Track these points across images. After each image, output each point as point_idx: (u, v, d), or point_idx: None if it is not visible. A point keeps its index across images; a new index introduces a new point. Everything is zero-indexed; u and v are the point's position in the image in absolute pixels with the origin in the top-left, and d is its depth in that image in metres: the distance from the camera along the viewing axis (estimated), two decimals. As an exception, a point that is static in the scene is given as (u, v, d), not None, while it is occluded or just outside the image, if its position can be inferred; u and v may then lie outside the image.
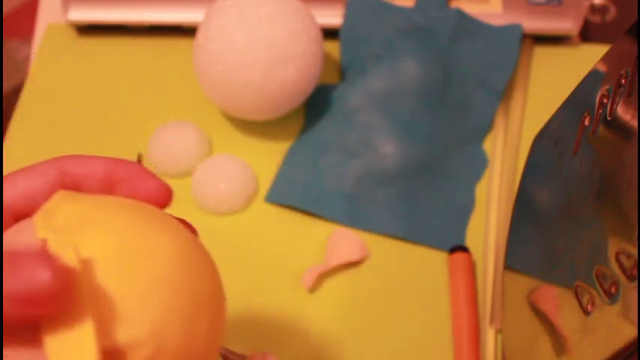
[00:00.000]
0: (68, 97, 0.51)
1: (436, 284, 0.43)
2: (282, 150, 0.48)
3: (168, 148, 0.47)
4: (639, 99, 0.28)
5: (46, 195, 0.25)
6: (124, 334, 0.22)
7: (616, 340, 0.26)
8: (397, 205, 0.45)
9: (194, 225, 0.27)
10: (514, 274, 0.39)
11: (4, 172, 0.47)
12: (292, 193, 0.46)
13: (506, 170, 0.47)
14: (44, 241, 0.22)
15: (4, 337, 0.21)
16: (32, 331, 0.21)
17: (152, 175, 0.26)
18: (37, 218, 0.23)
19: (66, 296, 0.20)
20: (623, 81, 0.30)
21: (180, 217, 0.27)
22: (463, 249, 0.43)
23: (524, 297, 0.36)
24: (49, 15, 0.55)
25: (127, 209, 0.24)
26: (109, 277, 0.22)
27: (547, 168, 0.37)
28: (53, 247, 0.22)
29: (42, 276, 0.20)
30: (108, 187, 0.26)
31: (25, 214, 0.25)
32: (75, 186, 0.26)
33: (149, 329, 0.22)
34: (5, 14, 1.18)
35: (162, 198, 0.27)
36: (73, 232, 0.23)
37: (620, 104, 0.29)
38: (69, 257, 0.21)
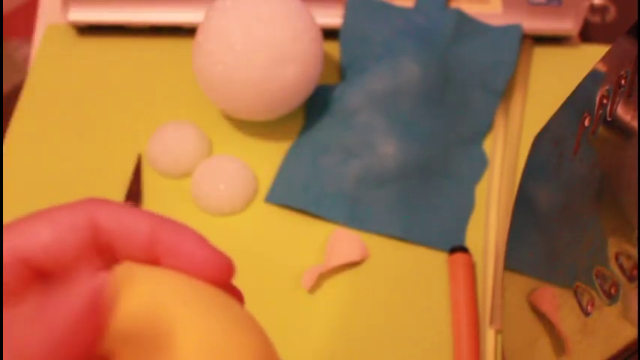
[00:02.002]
0: (68, 97, 0.51)
1: (436, 284, 0.43)
2: (282, 150, 0.48)
3: (168, 148, 0.47)
4: (639, 99, 0.28)
5: (76, 251, 0.22)
6: None
7: (616, 341, 0.26)
8: (397, 206, 0.45)
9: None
10: (514, 275, 0.39)
11: (4, 172, 0.47)
12: (292, 193, 0.46)
13: (506, 170, 0.47)
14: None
15: None
16: None
17: (207, 244, 0.22)
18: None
19: None
20: (623, 81, 0.30)
21: (232, 285, 0.24)
22: (463, 249, 0.43)
23: (524, 297, 0.36)
24: (49, 15, 0.55)
25: (204, 302, 0.21)
26: None
27: (547, 168, 0.37)
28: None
29: None
30: (150, 254, 0.22)
31: (43, 269, 0.22)
32: (109, 246, 0.22)
33: None
34: (5, 14, 1.18)
35: (221, 272, 0.22)
36: (149, 345, 0.20)
37: (620, 104, 0.29)
38: None
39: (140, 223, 0.22)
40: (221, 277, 0.22)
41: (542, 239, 0.36)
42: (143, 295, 0.20)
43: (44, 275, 0.22)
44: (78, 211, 0.22)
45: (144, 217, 0.22)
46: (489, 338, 0.41)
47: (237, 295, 0.24)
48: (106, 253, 0.22)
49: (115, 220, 0.22)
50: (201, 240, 0.22)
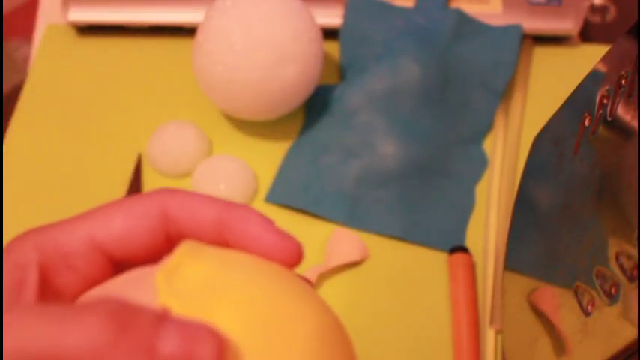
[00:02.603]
0: (68, 97, 0.51)
1: (436, 284, 0.43)
2: (282, 150, 0.48)
3: (168, 148, 0.47)
4: (639, 99, 0.28)
5: (146, 241, 0.22)
6: None
7: (616, 341, 0.26)
8: (397, 206, 0.45)
9: None
10: (514, 275, 0.39)
11: (4, 172, 0.47)
12: (292, 193, 0.46)
13: (506, 170, 0.47)
14: (166, 309, 0.19)
15: None
16: None
17: (277, 229, 0.23)
18: (160, 277, 0.20)
19: None
20: (623, 81, 0.30)
21: (303, 275, 0.24)
22: (463, 249, 0.43)
23: (524, 297, 0.36)
24: (49, 15, 0.55)
25: (263, 276, 0.21)
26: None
27: (547, 168, 0.37)
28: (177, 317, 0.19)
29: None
30: (219, 240, 0.22)
31: (118, 257, 0.23)
32: (179, 235, 0.23)
33: None
34: (5, 14, 1.18)
35: (289, 256, 0.23)
36: (200, 300, 0.20)
37: (620, 105, 0.29)
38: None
39: (207, 210, 0.22)
40: (289, 259, 0.22)
41: (542, 239, 0.36)
42: (203, 262, 0.21)
43: (118, 263, 0.23)
44: (150, 201, 0.23)
45: (210, 203, 0.22)
46: (489, 338, 0.41)
47: (308, 283, 0.24)
48: (177, 242, 0.23)
49: (183, 209, 0.22)
50: (269, 224, 0.23)
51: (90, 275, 0.22)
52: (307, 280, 0.24)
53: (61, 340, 0.17)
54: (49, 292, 0.22)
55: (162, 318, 0.18)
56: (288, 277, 0.22)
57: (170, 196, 0.23)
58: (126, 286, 0.21)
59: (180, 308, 0.19)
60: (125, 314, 0.18)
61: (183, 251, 0.21)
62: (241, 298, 0.20)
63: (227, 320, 0.19)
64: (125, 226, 0.22)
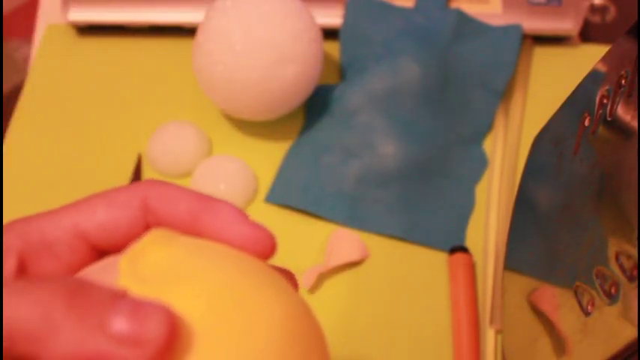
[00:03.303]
0: (68, 97, 0.51)
1: (436, 284, 0.43)
2: (282, 150, 0.48)
3: (168, 148, 0.47)
4: (639, 99, 0.28)
5: (128, 230, 0.23)
6: None
7: (616, 341, 0.26)
8: (397, 206, 0.45)
9: None
10: (514, 275, 0.39)
11: (4, 172, 0.47)
12: (292, 193, 0.46)
13: (506, 170, 0.47)
14: (125, 290, 0.19)
15: None
16: None
17: (248, 220, 0.23)
18: (123, 261, 0.20)
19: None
20: (623, 81, 0.30)
21: (282, 266, 0.24)
22: (463, 249, 0.43)
23: (524, 297, 0.36)
24: (49, 15, 0.55)
25: (228, 262, 0.21)
26: (198, 350, 0.19)
27: (547, 168, 0.37)
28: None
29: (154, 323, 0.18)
30: (193, 230, 0.23)
31: (102, 246, 0.23)
32: (157, 224, 0.23)
33: None
34: (5, 14, 1.18)
35: (262, 247, 0.23)
36: (160, 284, 0.20)
37: (620, 104, 0.29)
38: None
39: (182, 201, 0.23)
40: (263, 251, 0.23)
41: (542, 239, 0.36)
42: (168, 248, 0.21)
43: (102, 253, 0.23)
44: (131, 192, 0.23)
45: (186, 195, 0.23)
46: (489, 338, 0.41)
47: (286, 275, 0.24)
48: None
49: (161, 200, 0.23)
50: (242, 216, 0.23)
51: (74, 263, 0.23)
52: (287, 273, 0.24)
53: (13, 312, 0.18)
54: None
55: (116, 296, 0.19)
56: (256, 266, 0.22)
57: (150, 187, 0.23)
58: (96, 270, 0.22)
59: (138, 290, 0.19)
60: (80, 291, 0.19)
61: (150, 238, 0.21)
62: (203, 283, 0.20)
63: (186, 304, 0.19)
64: (108, 216, 0.23)
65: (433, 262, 0.44)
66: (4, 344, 0.18)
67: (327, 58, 0.51)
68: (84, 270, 0.22)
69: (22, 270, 0.22)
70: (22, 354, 0.18)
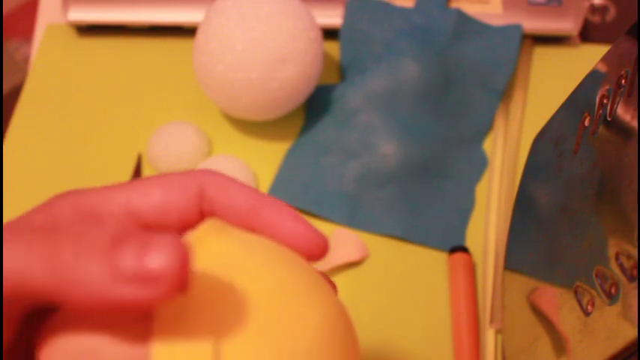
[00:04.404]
0: (68, 97, 0.51)
1: (436, 284, 0.43)
2: (282, 150, 0.48)
3: (168, 148, 0.47)
4: (639, 99, 0.28)
5: (181, 215, 0.23)
6: None
7: (616, 341, 0.26)
8: (397, 206, 0.45)
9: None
10: (514, 274, 0.39)
11: (4, 172, 0.47)
12: (292, 194, 0.46)
13: (506, 170, 0.47)
14: None
15: (112, 321, 0.19)
16: (142, 333, 0.19)
17: (303, 221, 0.23)
18: None
19: (182, 282, 0.18)
20: (623, 81, 0.30)
21: (322, 272, 0.24)
22: (463, 249, 0.43)
23: (524, 297, 0.36)
24: (49, 15, 0.55)
25: (280, 259, 0.21)
26: (248, 344, 0.19)
27: (547, 168, 0.37)
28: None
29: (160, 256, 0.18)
30: (247, 224, 0.23)
31: (153, 227, 0.23)
32: (212, 214, 0.23)
33: None
34: (5, 14, 1.18)
35: (316, 248, 0.23)
36: (216, 272, 0.20)
37: (620, 104, 0.29)
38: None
39: (242, 195, 0.23)
40: (316, 251, 0.23)
41: (542, 239, 0.36)
42: (224, 239, 0.21)
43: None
44: (189, 178, 0.23)
45: (246, 189, 0.23)
46: (489, 338, 0.41)
47: (326, 278, 0.25)
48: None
49: (220, 190, 0.23)
50: (296, 214, 0.23)
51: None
52: (326, 276, 0.25)
53: (21, 262, 0.18)
54: None
55: (122, 235, 0.19)
56: (304, 266, 0.22)
57: (209, 176, 0.24)
58: None
59: (195, 280, 0.19)
60: (84, 235, 0.19)
61: (208, 227, 0.21)
62: (256, 277, 0.20)
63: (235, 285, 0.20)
64: (163, 198, 0.23)
65: (433, 262, 0.44)
66: (16, 296, 0.18)
67: (327, 58, 0.51)
68: None
69: None
70: (36, 303, 0.19)
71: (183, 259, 0.18)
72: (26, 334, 0.22)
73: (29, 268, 0.18)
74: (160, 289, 0.18)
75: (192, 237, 0.21)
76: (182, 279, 0.18)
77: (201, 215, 0.24)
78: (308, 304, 0.20)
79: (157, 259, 0.18)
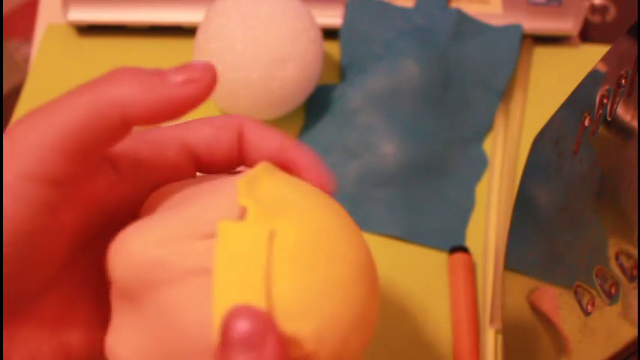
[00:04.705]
0: (68, 97, 0.51)
1: (436, 284, 0.43)
2: (282, 150, 0.48)
3: (168, 148, 0.47)
4: (639, 99, 0.28)
5: (226, 151, 0.27)
6: (288, 327, 0.21)
7: (616, 341, 0.26)
8: (397, 206, 0.45)
9: None
10: (514, 274, 0.39)
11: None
12: (292, 193, 0.46)
13: (506, 170, 0.47)
14: (244, 208, 0.23)
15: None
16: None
17: (322, 166, 0.27)
18: (241, 182, 0.24)
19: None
20: (623, 81, 0.30)
21: None
22: (463, 249, 0.43)
23: (524, 297, 0.36)
24: (49, 15, 0.55)
25: (320, 201, 0.25)
26: (292, 267, 0.22)
27: (547, 168, 0.37)
28: (252, 217, 0.22)
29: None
30: (280, 164, 0.27)
31: (201, 160, 0.27)
32: (245, 152, 0.27)
33: (312, 330, 0.22)
34: (5, 14, 1.18)
35: (330, 184, 0.28)
36: (272, 210, 0.23)
37: (620, 104, 0.29)
38: (262, 233, 0.22)
39: (273, 137, 0.27)
40: (330, 187, 0.28)
41: (542, 239, 0.36)
42: (276, 180, 0.25)
43: (198, 168, 0.28)
44: (230, 119, 0.27)
45: (277, 133, 0.27)
46: (489, 338, 0.41)
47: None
48: (245, 160, 0.28)
49: (256, 131, 0.27)
50: (316, 158, 0.28)
51: (176, 168, 0.27)
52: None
53: (111, 88, 0.24)
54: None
55: (172, 70, 0.24)
56: (337, 205, 0.26)
57: (246, 119, 0.27)
58: (210, 186, 0.25)
59: (254, 211, 0.22)
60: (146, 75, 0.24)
61: (262, 167, 0.25)
62: (302, 215, 0.23)
63: (286, 230, 0.22)
64: (212, 133, 0.27)
65: (433, 262, 0.44)
66: (108, 111, 0.23)
67: (327, 58, 0.51)
68: (197, 180, 0.26)
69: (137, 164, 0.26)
70: (114, 116, 0.23)
71: (212, 71, 0.24)
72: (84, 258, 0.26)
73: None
74: (200, 84, 0.24)
75: (250, 175, 0.24)
76: (213, 78, 0.24)
77: (240, 154, 0.27)
78: (344, 240, 0.24)
79: (196, 69, 0.24)
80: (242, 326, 0.20)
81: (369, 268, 0.24)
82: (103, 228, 0.26)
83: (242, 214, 0.23)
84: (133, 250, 0.22)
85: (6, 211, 0.21)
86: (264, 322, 0.21)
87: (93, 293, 0.26)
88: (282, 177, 0.25)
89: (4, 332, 0.23)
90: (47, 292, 0.24)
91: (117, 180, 0.25)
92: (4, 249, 0.22)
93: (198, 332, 0.21)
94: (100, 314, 0.26)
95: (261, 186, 0.24)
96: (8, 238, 0.22)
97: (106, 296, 0.25)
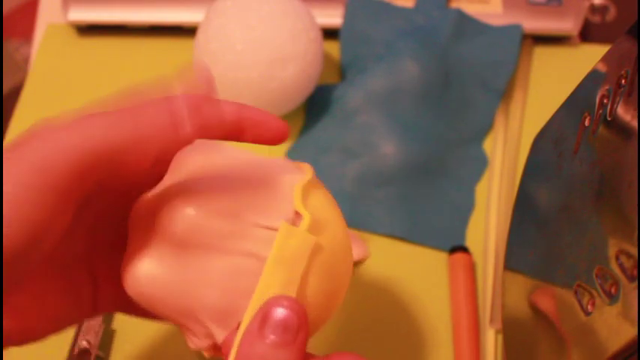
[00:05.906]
0: (68, 96, 0.51)
1: (436, 284, 0.43)
2: (282, 150, 0.48)
3: (168, 148, 0.47)
4: (639, 99, 0.28)
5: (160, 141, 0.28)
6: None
7: (616, 341, 0.26)
8: (397, 206, 0.45)
9: None
10: (514, 274, 0.39)
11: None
12: (292, 193, 0.46)
13: (506, 170, 0.47)
14: (298, 213, 0.27)
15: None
16: None
17: (275, 117, 0.30)
18: (297, 189, 0.27)
19: None
20: (623, 81, 0.30)
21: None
22: (463, 249, 0.43)
23: (524, 297, 0.36)
24: (49, 15, 0.55)
25: (342, 224, 0.29)
26: (319, 277, 0.27)
27: (547, 168, 0.37)
28: (305, 226, 0.26)
29: None
30: (238, 130, 0.29)
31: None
32: (207, 119, 0.29)
33: (311, 319, 0.26)
34: (5, 14, 1.18)
35: (283, 136, 0.30)
36: (317, 224, 0.27)
37: (620, 104, 0.29)
38: (310, 242, 0.26)
39: (230, 107, 0.29)
40: (285, 134, 0.30)
41: (542, 239, 0.36)
42: (318, 190, 0.29)
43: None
44: (191, 99, 0.29)
45: (232, 103, 0.29)
46: (489, 338, 0.41)
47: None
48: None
49: (212, 108, 0.29)
50: (269, 114, 0.30)
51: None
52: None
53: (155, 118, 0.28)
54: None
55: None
56: (346, 228, 0.30)
57: (202, 98, 0.29)
58: (265, 177, 0.28)
59: (307, 221, 0.27)
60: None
61: (310, 175, 0.29)
62: (333, 237, 0.28)
63: (322, 244, 0.27)
64: (136, 133, 0.29)
65: (433, 262, 0.44)
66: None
67: (327, 58, 0.51)
68: (236, 155, 0.31)
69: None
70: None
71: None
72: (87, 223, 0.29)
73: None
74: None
75: (303, 183, 0.28)
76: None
77: (202, 120, 0.28)
78: (347, 262, 0.29)
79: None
80: (282, 312, 0.25)
81: (350, 275, 0.30)
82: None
83: (295, 218, 0.27)
84: (192, 213, 0.26)
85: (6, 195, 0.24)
86: (302, 315, 0.25)
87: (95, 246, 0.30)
88: (323, 193, 0.29)
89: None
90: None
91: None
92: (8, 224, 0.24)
93: (220, 302, 0.26)
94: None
95: (310, 197, 0.28)
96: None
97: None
